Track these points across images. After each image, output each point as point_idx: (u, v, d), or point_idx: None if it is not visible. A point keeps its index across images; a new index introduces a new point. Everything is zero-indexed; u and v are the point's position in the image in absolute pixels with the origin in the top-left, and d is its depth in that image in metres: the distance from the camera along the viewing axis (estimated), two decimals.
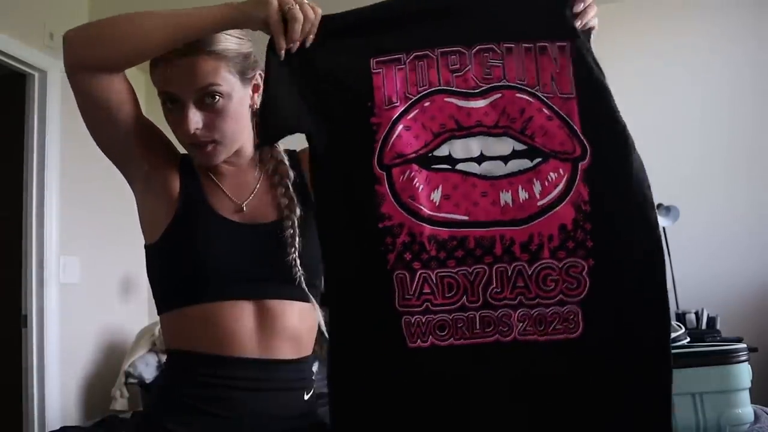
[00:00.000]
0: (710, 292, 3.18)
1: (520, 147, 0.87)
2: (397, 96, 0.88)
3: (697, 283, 3.21)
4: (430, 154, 0.87)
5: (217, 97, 1.00)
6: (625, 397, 0.83)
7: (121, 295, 3.62)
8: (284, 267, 1.02)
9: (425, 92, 0.88)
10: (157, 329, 3.21)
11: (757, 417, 1.15)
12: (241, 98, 1.04)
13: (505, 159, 0.87)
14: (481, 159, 0.87)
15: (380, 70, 0.88)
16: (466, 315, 0.84)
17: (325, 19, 0.90)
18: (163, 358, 3.09)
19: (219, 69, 0.99)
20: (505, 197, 0.86)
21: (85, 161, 3.28)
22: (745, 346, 1.16)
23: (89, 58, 0.94)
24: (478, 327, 0.84)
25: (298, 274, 1.02)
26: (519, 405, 0.84)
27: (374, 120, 0.87)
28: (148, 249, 1.08)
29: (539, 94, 0.87)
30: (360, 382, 0.85)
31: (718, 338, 2.86)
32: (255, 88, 1.08)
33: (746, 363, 1.15)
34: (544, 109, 0.87)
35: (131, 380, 3.10)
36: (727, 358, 1.14)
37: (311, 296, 1.07)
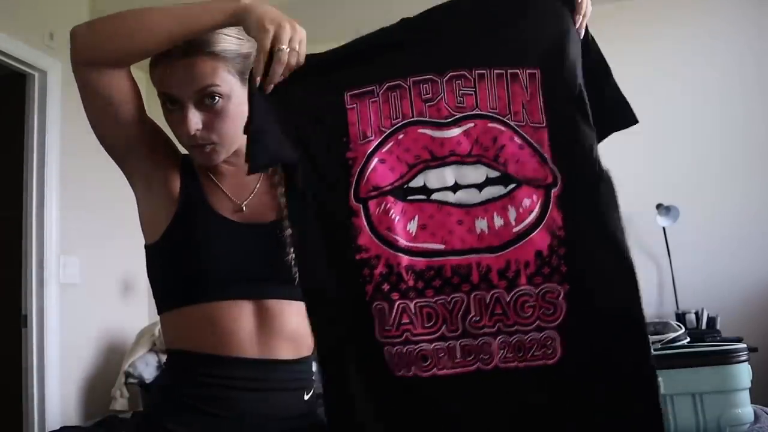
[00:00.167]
0: (710, 292, 3.18)
1: (493, 174, 0.87)
2: (372, 130, 0.88)
3: (697, 283, 3.21)
4: (405, 186, 0.88)
5: (217, 98, 1.00)
6: (605, 423, 0.84)
7: (121, 295, 3.62)
8: (284, 267, 1.02)
9: (399, 125, 0.88)
10: (157, 329, 3.21)
11: (757, 417, 1.15)
12: (240, 99, 1.04)
13: (479, 186, 0.87)
14: (455, 188, 0.87)
15: (354, 105, 0.89)
16: (446, 345, 0.85)
17: (309, 56, 0.91)
18: (163, 358, 3.09)
19: (218, 70, 1.00)
20: (481, 224, 0.86)
21: (85, 161, 3.27)
22: (745, 346, 1.16)
23: (95, 53, 0.95)
24: (459, 356, 0.85)
25: (295, 273, 1.02)
26: (510, 429, 0.84)
27: (350, 155, 0.88)
28: (148, 249, 1.08)
29: (511, 123, 0.88)
30: (356, 411, 0.85)
31: (718, 338, 2.86)
32: None
33: (746, 363, 1.15)
34: (515, 138, 0.88)
35: (131, 380, 3.10)
36: (727, 358, 1.14)
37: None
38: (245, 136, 1.09)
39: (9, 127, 3.18)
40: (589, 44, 0.95)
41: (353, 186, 0.88)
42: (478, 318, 0.85)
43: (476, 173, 0.87)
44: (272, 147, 0.88)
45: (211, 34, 0.99)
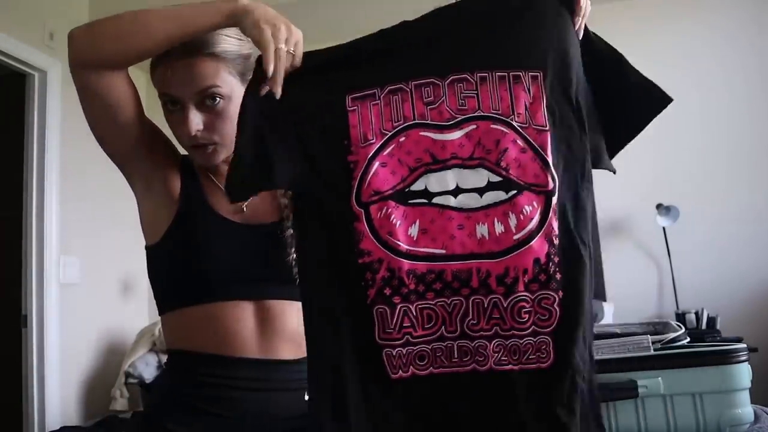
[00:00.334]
0: (710, 292, 3.18)
1: (495, 179, 0.87)
2: (373, 133, 0.88)
3: (697, 283, 3.21)
4: (406, 190, 0.88)
5: (218, 98, 1.00)
6: (593, 424, 0.87)
7: (121, 295, 3.63)
8: (284, 267, 1.02)
9: (400, 127, 0.88)
10: (157, 329, 3.21)
11: (757, 417, 1.15)
12: (239, 100, 1.04)
13: (480, 191, 0.87)
14: (456, 192, 0.87)
15: (355, 107, 0.88)
16: (444, 344, 0.86)
17: (305, 56, 0.90)
18: (163, 358, 3.09)
19: (219, 71, 1.00)
20: (482, 230, 0.87)
21: (85, 161, 3.27)
22: (745, 346, 1.16)
23: (93, 55, 0.95)
24: (456, 356, 0.86)
25: (295, 273, 1.03)
26: (500, 429, 0.86)
27: (351, 158, 0.88)
28: (149, 250, 1.08)
29: (514, 124, 0.87)
30: (346, 413, 0.86)
31: (718, 338, 2.86)
32: None
33: (746, 363, 1.15)
34: (518, 141, 0.87)
35: (131, 380, 3.10)
36: (727, 358, 1.14)
37: None
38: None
39: (9, 127, 3.18)
40: (592, 42, 0.94)
41: (355, 190, 0.87)
42: (475, 321, 0.86)
43: (478, 177, 0.87)
44: (254, 174, 0.88)
45: (211, 35, 0.99)
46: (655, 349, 1.25)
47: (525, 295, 0.85)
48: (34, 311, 2.96)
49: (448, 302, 0.86)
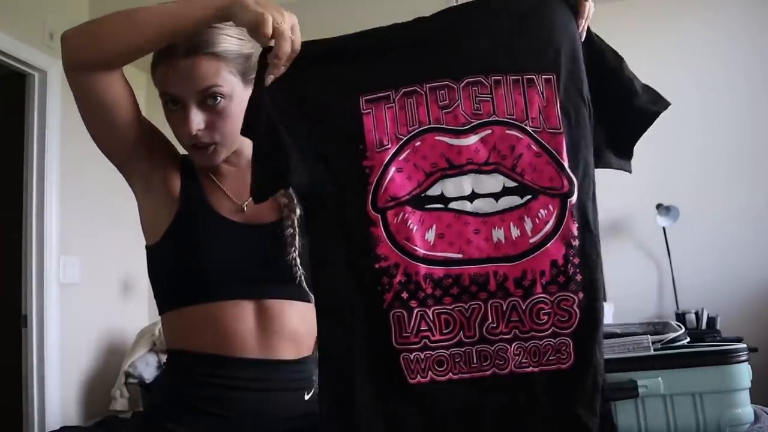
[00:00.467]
0: (710, 292, 3.18)
1: (510, 184, 0.88)
2: (388, 138, 0.88)
3: (697, 283, 3.21)
4: (423, 195, 0.88)
5: (219, 98, 1.00)
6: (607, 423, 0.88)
7: (121, 295, 3.63)
8: (285, 267, 1.02)
9: (415, 131, 0.88)
10: (157, 329, 3.21)
11: (757, 417, 1.15)
12: (241, 99, 1.03)
13: (496, 196, 0.88)
14: (472, 197, 0.88)
15: (370, 110, 0.88)
16: (463, 350, 0.86)
17: (311, 44, 0.89)
18: (163, 358, 3.09)
19: (220, 70, 1.00)
20: (498, 234, 0.87)
21: (85, 161, 3.27)
22: (745, 346, 1.16)
23: (86, 56, 0.94)
24: (475, 361, 0.86)
25: (299, 273, 1.03)
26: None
27: (366, 163, 0.88)
28: (150, 249, 1.08)
29: (528, 129, 0.88)
30: (361, 417, 0.86)
31: (718, 338, 2.86)
32: None
33: (746, 363, 1.15)
34: (533, 145, 0.88)
35: (131, 380, 3.10)
36: (727, 358, 1.13)
37: (312, 296, 1.07)
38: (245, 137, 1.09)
39: (9, 127, 3.18)
40: (594, 43, 0.95)
41: (371, 195, 0.88)
42: (494, 325, 0.86)
43: (493, 182, 0.88)
44: (278, 169, 0.87)
45: (212, 35, 0.99)
46: (655, 349, 1.25)
47: (544, 297, 0.86)
48: (34, 311, 2.96)
49: (466, 307, 0.87)
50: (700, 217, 3.26)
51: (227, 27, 1.02)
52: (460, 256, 0.87)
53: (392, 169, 0.88)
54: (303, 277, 1.03)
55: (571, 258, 0.87)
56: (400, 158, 0.88)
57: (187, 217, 1.04)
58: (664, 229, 3.23)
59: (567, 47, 0.90)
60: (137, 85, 1.03)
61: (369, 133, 0.88)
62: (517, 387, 0.86)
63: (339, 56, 0.89)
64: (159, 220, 1.05)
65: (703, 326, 3.02)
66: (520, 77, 0.88)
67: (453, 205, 0.88)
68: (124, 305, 3.63)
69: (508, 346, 0.86)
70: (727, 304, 3.13)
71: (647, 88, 0.97)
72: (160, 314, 1.08)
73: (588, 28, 0.94)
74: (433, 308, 0.86)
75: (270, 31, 0.85)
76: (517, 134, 0.88)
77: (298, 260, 1.03)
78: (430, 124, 0.88)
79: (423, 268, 0.86)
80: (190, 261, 1.02)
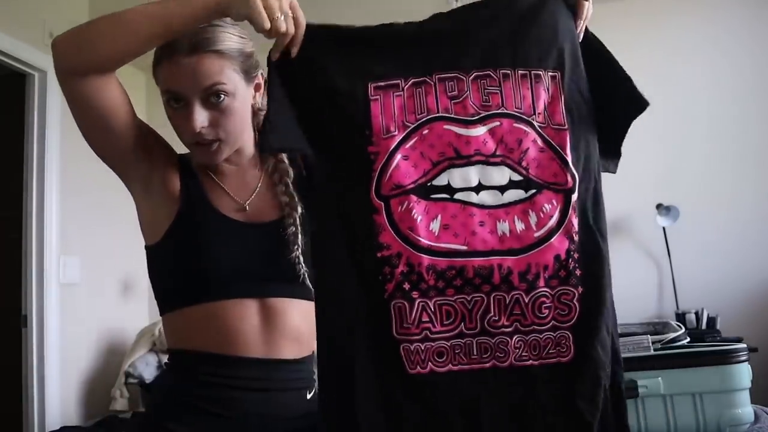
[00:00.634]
0: (710, 292, 3.18)
1: (516, 177, 0.88)
2: (395, 124, 0.87)
3: (697, 283, 3.21)
4: (428, 184, 0.87)
5: (222, 95, 1.00)
6: (612, 417, 0.87)
7: (121, 295, 3.62)
8: (287, 265, 1.02)
9: (424, 119, 0.88)
10: (157, 329, 3.21)
11: (757, 417, 1.15)
12: (244, 97, 1.04)
13: (501, 189, 0.88)
14: (479, 188, 0.87)
15: (378, 96, 0.88)
16: (463, 341, 0.86)
17: (320, 28, 0.89)
18: (164, 358, 3.09)
19: (224, 68, 1.00)
20: (503, 227, 0.87)
21: (85, 161, 3.26)
22: (745, 346, 1.16)
23: (78, 62, 0.93)
24: (475, 353, 0.86)
25: (302, 271, 1.03)
26: (522, 426, 0.86)
27: (372, 149, 0.87)
28: (150, 249, 1.08)
29: (535, 124, 0.89)
30: (360, 406, 0.85)
31: (718, 338, 2.85)
32: (257, 88, 1.08)
33: (746, 363, 1.15)
34: (538, 140, 0.89)
35: (131, 380, 3.10)
36: (727, 358, 1.14)
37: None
38: (247, 135, 1.09)
39: (9, 127, 3.18)
40: (590, 41, 0.96)
41: (375, 182, 0.87)
42: (496, 317, 0.86)
43: (500, 175, 0.88)
44: (287, 132, 0.87)
45: (215, 33, 0.99)
46: (655, 349, 1.25)
47: (545, 291, 0.86)
48: (34, 311, 2.96)
49: (468, 299, 0.86)
50: (700, 217, 3.26)
51: (228, 26, 1.02)
52: (464, 248, 0.86)
53: (398, 157, 0.87)
54: (306, 275, 1.03)
55: (572, 253, 0.87)
56: (407, 146, 0.87)
57: (189, 217, 1.04)
58: (664, 229, 3.23)
59: (568, 47, 0.92)
60: (137, 85, 1.03)
61: (376, 118, 0.87)
62: (517, 380, 0.86)
63: (351, 43, 0.89)
64: (159, 220, 1.05)
65: (703, 326, 3.02)
66: (527, 72, 0.89)
67: (459, 195, 0.87)
68: (124, 305, 3.63)
69: (509, 339, 0.86)
70: (727, 304, 3.13)
71: (635, 89, 0.98)
72: (161, 314, 1.08)
73: (586, 28, 0.94)
74: (435, 299, 0.85)
75: (268, 24, 0.85)
76: (525, 128, 0.89)
77: (301, 258, 1.03)
78: (438, 112, 0.88)
79: (426, 259, 0.85)
80: (193, 260, 1.02)
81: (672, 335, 1.29)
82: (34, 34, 2.98)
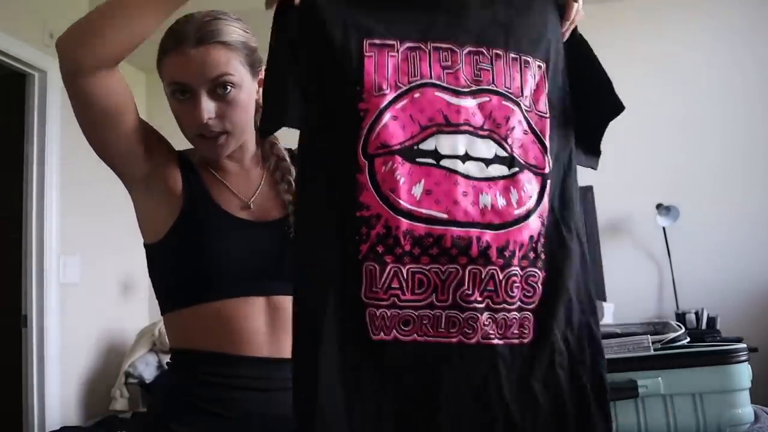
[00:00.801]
0: (710, 292, 3.18)
1: (501, 153, 0.87)
2: (388, 84, 0.86)
3: (697, 283, 3.21)
4: (415, 147, 0.85)
5: (229, 87, 1.01)
6: (569, 402, 0.87)
7: (121, 295, 3.63)
8: (292, 263, 1.03)
9: (416, 83, 0.87)
10: (157, 329, 3.21)
11: (757, 417, 1.15)
12: (250, 90, 1.05)
13: (487, 162, 0.87)
14: (465, 158, 0.86)
15: (372, 53, 0.86)
16: (432, 313, 0.84)
17: None
18: (164, 358, 3.09)
19: (231, 59, 1.00)
20: (485, 200, 0.86)
21: (85, 161, 3.26)
22: (745, 346, 1.16)
23: (87, 56, 0.92)
24: (442, 326, 0.84)
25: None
26: (480, 404, 0.85)
27: (362, 105, 0.85)
28: (152, 247, 1.07)
29: (522, 106, 0.89)
30: (322, 369, 0.82)
31: (718, 338, 2.86)
32: (260, 83, 1.08)
33: (746, 363, 1.15)
34: (523, 122, 0.89)
35: (131, 380, 3.10)
36: (727, 358, 1.14)
37: None
38: (250, 130, 1.10)
39: (9, 127, 3.18)
40: (578, 43, 0.97)
41: (362, 140, 0.85)
42: (470, 292, 0.84)
43: (486, 147, 0.87)
44: (283, 108, 0.85)
45: (221, 26, 1.01)
46: (655, 349, 1.25)
47: (517, 270, 0.86)
48: (34, 311, 2.96)
49: (443, 269, 0.84)
50: (700, 217, 3.27)
51: (233, 20, 1.04)
52: (445, 216, 0.84)
53: (387, 116, 0.85)
54: None
55: (541, 236, 0.88)
56: (397, 106, 0.86)
57: (192, 214, 1.04)
58: (664, 229, 3.23)
59: (554, 43, 0.94)
60: (137, 85, 1.04)
61: (368, 75, 0.85)
62: (481, 358, 0.85)
63: (351, 0, 0.88)
64: (161, 218, 1.04)
65: (703, 326, 3.02)
66: (518, 56, 0.90)
67: (445, 162, 0.85)
68: (124, 305, 3.63)
69: (479, 316, 0.84)
70: (727, 304, 3.13)
71: (614, 93, 0.98)
72: (162, 313, 1.07)
73: (575, 28, 0.96)
74: (408, 266, 0.83)
75: None
76: (513, 107, 0.89)
77: None
78: (431, 79, 0.87)
79: (405, 223, 0.83)
80: (197, 258, 1.01)
81: (672, 335, 1.29)
82: (34, 34, 2.98)
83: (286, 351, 1.03)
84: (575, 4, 0.93)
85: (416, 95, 0.86)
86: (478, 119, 0.87)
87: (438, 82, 0.87)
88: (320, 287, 0.84)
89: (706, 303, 3.11)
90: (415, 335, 0.83)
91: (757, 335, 2.94)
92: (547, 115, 0.91)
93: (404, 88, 0.86)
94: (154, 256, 1.07)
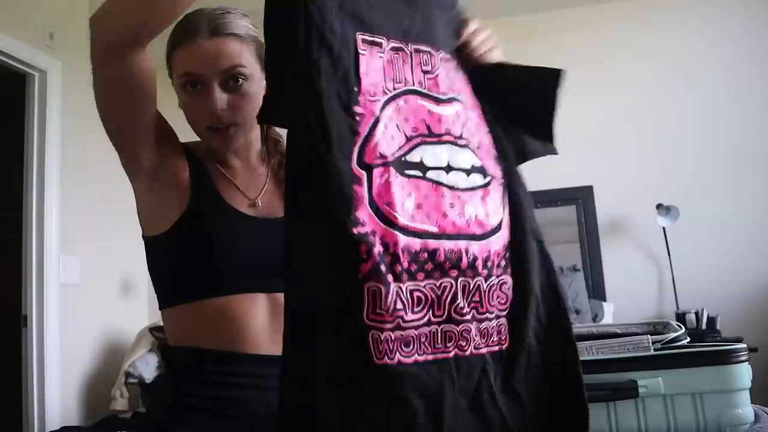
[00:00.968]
0: (710, 292, 3.18)
1: (477, 163, 0.87)
2: (378, 88, 0.82)
3: (697, 283, 3.21)
4: (403, 158, 0.82)
5: (241, 79, 1.02)
6: (543, 412, 0.87)
7: (121, 295, 3.63)
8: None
9: (401, 90, 0.84)
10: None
11: (757, 417, 1.15)
12: (259, 84, 1.05)
13: (467, 172, 0.86)
14: (448, 169, 0.85)
15: (365, 51, 0.82)
16: (429, 329, 0.81)
17: None
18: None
19: (243, 51, 1.02)
20: (469, 211, 0.85)
21: (85, 161, 3.28)
22: (745, 346, 1.16)
23: (122, 32, 0.89)
24: (439, 342, 0.81)
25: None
26: (477, 414, 0.84)
27: (357, 109, 0.79)
28: (154, 240, 1.05)
29: (478, 112, 0.91)
30: (320, 400, 0.78)
31: (718, 338, 2.86)
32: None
33: (746, 363, 1.15)
34: (482, 130, 0.90)
35: (131, 380, 3.10)
36: (727, 358, 1.13)
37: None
38: (256, 129, 1.09)
39: (9, 127, 3.18)
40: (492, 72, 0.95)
41: (357, 147, 0.79)
42: (462, 305, 0.83)
43: (465, 158, 0.86)
44: (269, 106, 0.80)
45: (233, 19, 1.02)
46: (655, 349, 1.25)
47: (495, 279, 0.86)
48: (34, 311, 2.96)
49: (437, 284, 0.81)
50: (700, 217, 3.27)
51: (242, 15, 1.05)
52: (436, 229, 0.82)
53: (380, 124, 0.80)
54: None
55: (509, 243, 0.89)
56: (386, 114, 0.82)
57: (200, 209, 1.03)
58: (664, 229, 3.23)
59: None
60: None
61: (364, 77, 0.81)
62: (474, 369, 0.84)
63: None
64: (166, 211, 1.03)
65: (703, 326, 3.02)
66: (458, 63, 0.92)
67: (430, 174, 0.83)
68: (124, 305, 3.63)
69: (471, 327, 0.83)
70: (727, 304, 3.13)
71: (541, 67, 0.95)
72: (162, 308, 1.06)
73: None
74: (407, 284, 0.79)
75: None
76: (476, 116, 0.90)
77: None
78: (414, 85, 0.85)
79: (402, 239, 0.79)
80: (204, 254, 1.01)
81: (672, 335, 1.29)
82: (34, 34, 2.98)
83: None
84: (473, 26, 0.93)
85: (400, 103, 0.83)
86: (456, 128, 0.86)
87: (420, 89, 0.85)
88: (314, 309, 0.78)
89: (706, 303, 3.11)
90: (416, 355, 0.79)
91: (757, 335, 2.94)
92: (488, 130, 0.92)
93: (390, 94, 0.82)
94: (156, 248, 1.06)
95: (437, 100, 0.86)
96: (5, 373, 3.03)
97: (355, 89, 0.80)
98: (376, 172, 0.79)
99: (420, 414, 0.80)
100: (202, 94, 1.01)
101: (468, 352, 0.83)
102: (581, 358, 0.89)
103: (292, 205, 0.81)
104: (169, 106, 1.08)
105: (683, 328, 1.33)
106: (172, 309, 1.04)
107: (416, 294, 0.80)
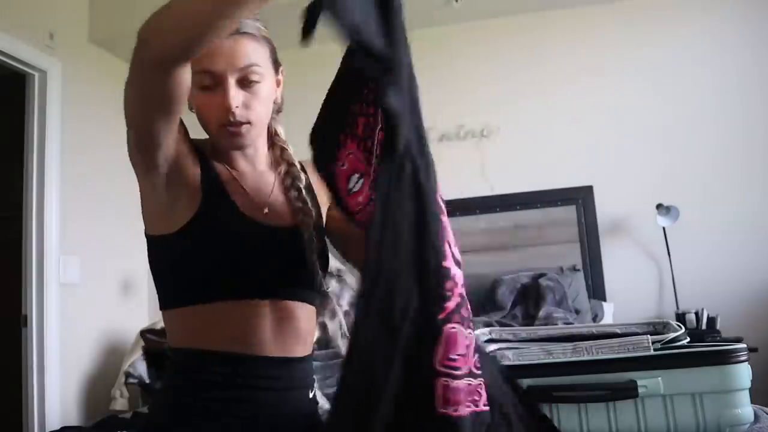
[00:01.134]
0: (710, 292, 3.18)
1: None
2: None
3: (697, 283, 3.21)
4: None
5: (256, 78, 1.03)
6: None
7: (121, 295, 3.63)
8: (302, 270, 1.03)
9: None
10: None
11: (757, 417, 1.15)
12: (271, 86, 1.06)
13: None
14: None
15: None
16: (467, 382, 0.75)
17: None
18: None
19: (258, 51, 1.04)
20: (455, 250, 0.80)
21: (85, 161, 3.28)
22: (745, 346, 1.16)
23: (181, 47, 0.85)
24: (470, 393, 0.75)
25: (318, 277, 1.04)
26: None
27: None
28: (159, 239, 1.04)
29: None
30: None
31: (718, 338, 2.86)
32: (277, 83, 1.10)
33: (746, 363, 1.15)
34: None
35: (131, 380, 3.10)
36: (727, 358, 1.13)
37: (320, 298, 1.09)
38: (267, 125, 1.11)
39: (9, 127, 3.18)
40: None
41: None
42: (476, 357, 0.78)
43: None
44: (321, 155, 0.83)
45: (248, 21, 1.03)
46: (655, 349, 1.25)
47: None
48: (34, 311, 2.97)
49: (471, 333, 0.75)
50: (700, 217, 3.27)
51: (255, 19, 1.05)
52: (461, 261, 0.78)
53: None
54: (318, 282, 1.04)
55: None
56: None
57: (211, 212, 1.02)
58: (664, 229, 3.23)
59: None
60: None
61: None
62: (484, 422, 0.78)
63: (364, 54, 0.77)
64: (176, 211, 1.01)
65: (703, 326, 3.02)
66: None
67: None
68: (124, 305, 3.63)
69: (482, 382, 0.77)
70: (727, 304, 3.13)
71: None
72: (164, 308, 1.04)
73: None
74: (466, 330, 0.73)
75: None
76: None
77: (317, 264, 1.04)
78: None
79: (463, 277, 0.73)
80: (213, 257, 1.00)
81: (672, 335, 1.29)
82: (34, 34, 2.98)
83: (291, 352, 1.03)
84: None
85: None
86: None
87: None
88: (384, 345, 0.70)
89: (706, 303, 3.11)
90: (464, 406, 0.72)
91: (757, 335, 2.94)
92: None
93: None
94: (162, 247, 1.04)
95: None
96: (5, 373, 3.03)
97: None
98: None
99: None
100: (217, 92, 1.01)
101: (486, 407, 0.77)
102: (581, 358, 0.89)
103: (380, 223, 0.73)
104: None
105: (683, 328, 1.33)
106: (175, 311, 1.03)
107: (467, 342, 0.74)
